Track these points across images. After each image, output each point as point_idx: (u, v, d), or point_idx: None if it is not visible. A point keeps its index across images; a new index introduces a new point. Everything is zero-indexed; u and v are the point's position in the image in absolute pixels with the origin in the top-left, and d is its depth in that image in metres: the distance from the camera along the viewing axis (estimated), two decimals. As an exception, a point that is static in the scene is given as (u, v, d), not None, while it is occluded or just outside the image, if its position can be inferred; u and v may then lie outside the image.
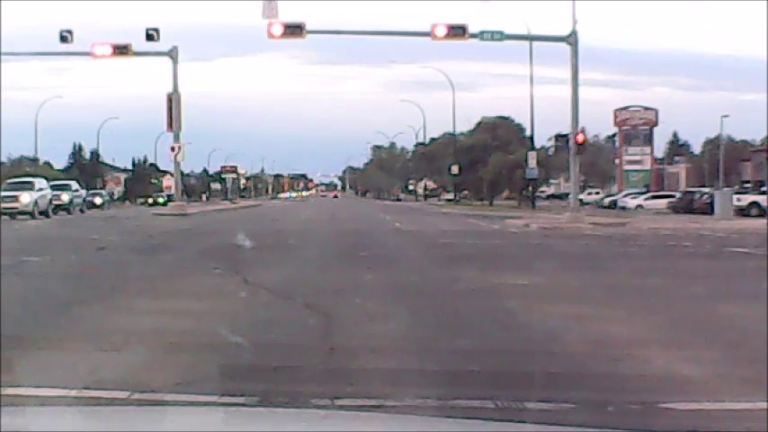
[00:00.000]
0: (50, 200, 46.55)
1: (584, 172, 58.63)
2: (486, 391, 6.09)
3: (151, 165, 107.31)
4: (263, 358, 7.35)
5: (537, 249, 21.82)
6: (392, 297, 11.49)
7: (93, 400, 5.75)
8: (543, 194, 78.92)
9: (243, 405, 5.59)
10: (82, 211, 53.66)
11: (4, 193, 42.70)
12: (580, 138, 35.47)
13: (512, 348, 7.85)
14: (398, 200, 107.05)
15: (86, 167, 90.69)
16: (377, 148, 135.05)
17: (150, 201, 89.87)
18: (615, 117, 77.13)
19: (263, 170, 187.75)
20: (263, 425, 2.70)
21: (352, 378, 6.60)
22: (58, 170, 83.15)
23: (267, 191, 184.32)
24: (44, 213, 44.23)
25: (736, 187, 55.62)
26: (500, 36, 36.24)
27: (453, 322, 9.36)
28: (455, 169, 71.84)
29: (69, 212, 50.06)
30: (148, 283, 13.24)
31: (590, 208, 56.89)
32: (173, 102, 47.02)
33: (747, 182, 65.49)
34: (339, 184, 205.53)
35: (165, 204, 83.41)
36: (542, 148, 61.31)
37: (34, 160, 77.83)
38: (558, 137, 46.76)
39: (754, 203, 44.44)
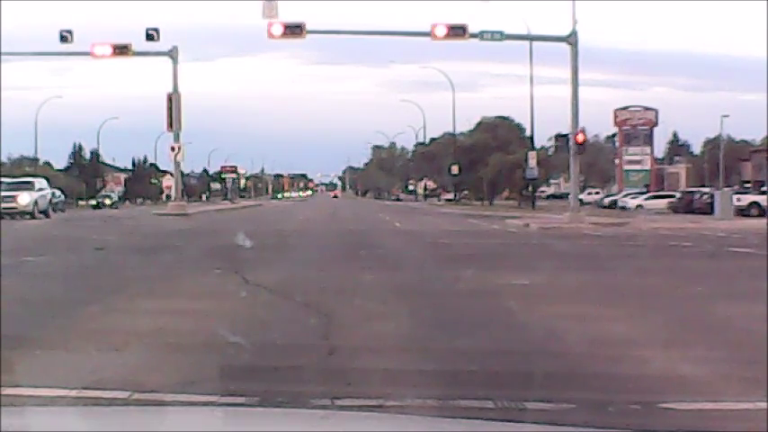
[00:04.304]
0: (50, 200, 46.57)
1: (584, 172, 58.61)
2: (486, 391, 6.09)
3: (151, 165, 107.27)
4: (263, 358, 7.35)
5: (537, 249, 21.81)
6: (392, 297, 11.49)
7: (93, 400, 5.74)
8: (543, 194, 78.87)
9: (243, 405, 5.58)
10: None
11: (4, 193, 42.71)
12: (580, 138, 35.47)
13: (511, 348, 7.85)
14: (398, 200, 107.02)
15: (86, 167, 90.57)
16: (377, 148, 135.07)
17: (95, 202, 77.22)
18: (615, 117, 77.18)
19: (263, 170, 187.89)
20: (263, 425, 2.70)
21: (352, 378, 6.60)
22: (58, 170, 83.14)
23: (267, 191, 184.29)
24: (44, 213, 44.26)
25: (736, 187, 55.59)
26: (500, 36, 36.25)
27: (453, 322, 9.35)
28: (455, 169, 71.85)
29: None
30: (148, 283, 13.24)
31: (590, 208, 56.87)
32: (173, 102, 47.04)
33: (747, 182, 65.45)
34: (339, 184, 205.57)
35: (113, 206, 75.80)
36: (542, 148, 61.32)
37: (34, 160, 77.81)
38: (558, 137, 46.71)
39: (755, 203, 44.43)
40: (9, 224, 35.21)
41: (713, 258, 18.92)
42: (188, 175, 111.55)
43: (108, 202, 77.99)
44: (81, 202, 76.74)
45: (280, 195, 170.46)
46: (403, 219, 41.69)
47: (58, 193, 51.75)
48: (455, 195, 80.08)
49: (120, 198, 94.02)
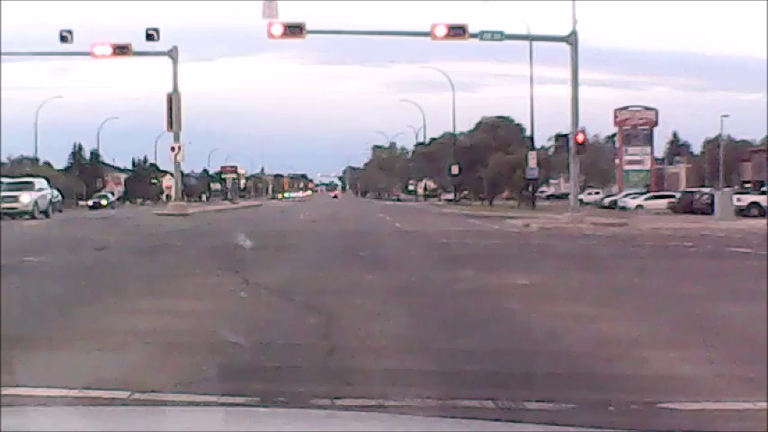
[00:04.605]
0: (50, 200, 46.54)
1: (584, 172, 58.53)
2: (486, 391, 6.09)
3: (151, 165, 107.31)
4: (263, 358, 7.35)
5: (537, 249, 21.81)
6: (392, 297, 11.49)
7: (93, 400, 5.74)
8: (543, 194, 78.85)
9: (243, 405, 5.58)
10: None
11: (4, 194, 42.72)
12: (580, 138, 35.46)
13: (512, 348, 7.85)
14: (398, 200, 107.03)
15: (86, 167, 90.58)
16: (377, 148, 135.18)
17: (90, 204, 73.97)
18: (615, 117, 77.12)
19: (263, 170, 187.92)
20: (263, 425, 2.70)
21: (352, 378, 6.60)
22: (58, 170, 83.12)
23: (267, 191, 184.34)
24: (44, 213, 44.28)
25: (737, 187, 55.59)
26: (500, 36, 36.26)
27: (453, 322, 9.35)
28: (455, 169, 71.86)
29: None
30: (148, 282, 13.24)
31: (590, 208, 56.87)
32: (173, 102, 47.03)
33: (747, 182, 65.45)
34: (339, 184, 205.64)
35: (109, 206, 72.68)
36: (542, 148, 61.31)
37: (34, 160, 77.81)
38: (558, 137, 46.74)
39: (755, 203, 44.43)
40: (9, 224, 35.21)
41: (713, 258, 18.92)
42: (188, 175, 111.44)
43: (104, 202, 75.79)
44: (81, 203, 76.54)
45: (279, 196, 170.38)
46: (403, 219, 41.68)
47: (55, 193, 50.89)
48: (455, 195, 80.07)
49: (120, 198, 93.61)
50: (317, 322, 9.10)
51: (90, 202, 74.94)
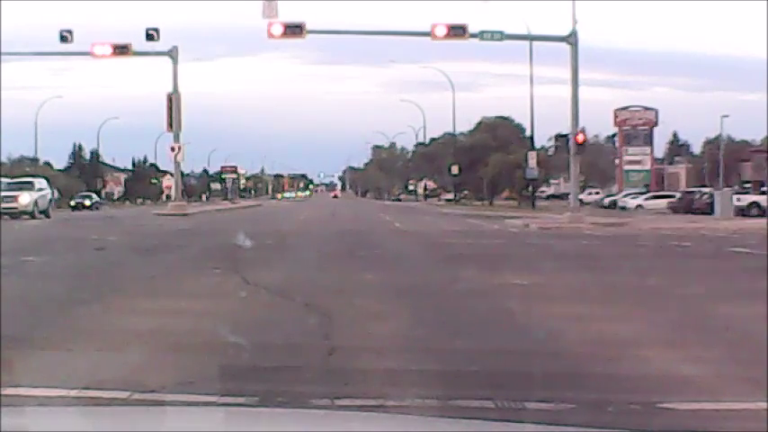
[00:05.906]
0: (50, 200, 46.56)
1: (584, 172, 58.52)
2: (486, 391, 6.09)
3: (151, 165, 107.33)
4: (263, 358, 7.35)
5: (537, 249, 21.81)
6: (392, 297, 11.48)
7: (93, 400, 5.74)
8: (543, 194, 78.81)
9: (243, 405, 5.58)
10: None
11: (4, 193, 42.73)
12: (580, 138, 35.47)
13: (512, 348, 7.85)
14: (398, 200, 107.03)
15: (86, 167, 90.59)
16: (377, 148, 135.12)
17: (72, 203, 69.42)
18: (615, 117, 77.09)
19: (263, 170, 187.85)
20: (263, 425, 2.70)
21: (352, 378, 6.60)
22: (58, 170, 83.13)
23: (267, 191, 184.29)
24: (44, 213, 44.29)
25: (736, 187, 55.59)
26: (500, 36, 36.25)
27: (453, 322, 9.35)
28: (455, 169, 71.88)
29: None
30: (148, 282, 13.24)
31: (590, 208, 56.84)
32: (173, 102, 47.02)
33: (747, 182, 65.39)
34: (339, 184, 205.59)
35: (92, 207, 69.43)
36: (542, 148, 61.32)
37: (34, 160, 77.84)
38: (558, 137, 46.77)
39: (754, 203, 44.41)
40: (9, 224, 35.21)
41: (713, 258, 18.91)
42: (188, 175, 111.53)
43: (87, 203, 71.20)
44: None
45: (278, 197, 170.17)
46: (403, 219, 41.68)
47: (55, 192, 50.02)
48: (455, 195, 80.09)
49: (120, 198, 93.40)
50: (316, 322, 9.11)
51: (72, 203, 70.17)
